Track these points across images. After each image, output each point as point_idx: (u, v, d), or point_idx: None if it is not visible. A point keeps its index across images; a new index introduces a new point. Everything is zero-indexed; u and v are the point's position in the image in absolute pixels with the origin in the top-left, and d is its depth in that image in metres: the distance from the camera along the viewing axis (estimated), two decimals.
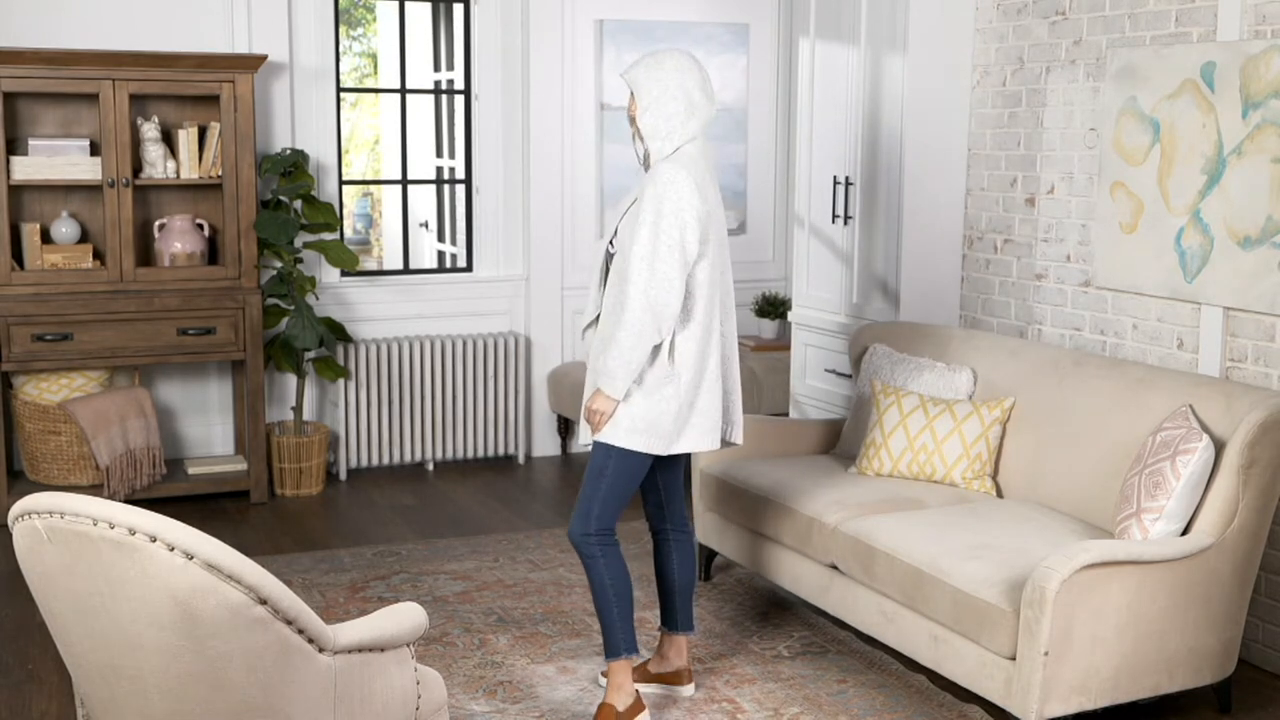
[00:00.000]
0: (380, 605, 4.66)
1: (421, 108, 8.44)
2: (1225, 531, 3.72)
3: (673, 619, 4.05)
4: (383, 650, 2.84)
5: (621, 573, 3.80)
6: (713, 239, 3.71)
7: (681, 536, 4.06)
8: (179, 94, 5.89)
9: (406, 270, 7.19)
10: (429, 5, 7.99)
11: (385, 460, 6.66)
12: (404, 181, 7.11)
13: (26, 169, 5.68)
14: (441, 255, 8.38)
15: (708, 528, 4.95)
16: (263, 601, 2.48)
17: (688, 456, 4.15)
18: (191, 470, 6.16)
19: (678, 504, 4.06)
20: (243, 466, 6.17)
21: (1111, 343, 4.81)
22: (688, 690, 4.05)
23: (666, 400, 3.68)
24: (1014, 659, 3.58)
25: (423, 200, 9.14)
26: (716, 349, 3.77)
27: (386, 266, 10.58)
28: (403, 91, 7.01)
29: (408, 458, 6.70)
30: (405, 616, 2.92)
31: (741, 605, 4.81)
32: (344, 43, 11.80)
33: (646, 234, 3.58)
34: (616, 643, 3.80)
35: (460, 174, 7.17)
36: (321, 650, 2.65)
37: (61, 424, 5.83)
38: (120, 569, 2.41)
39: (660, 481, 4.02)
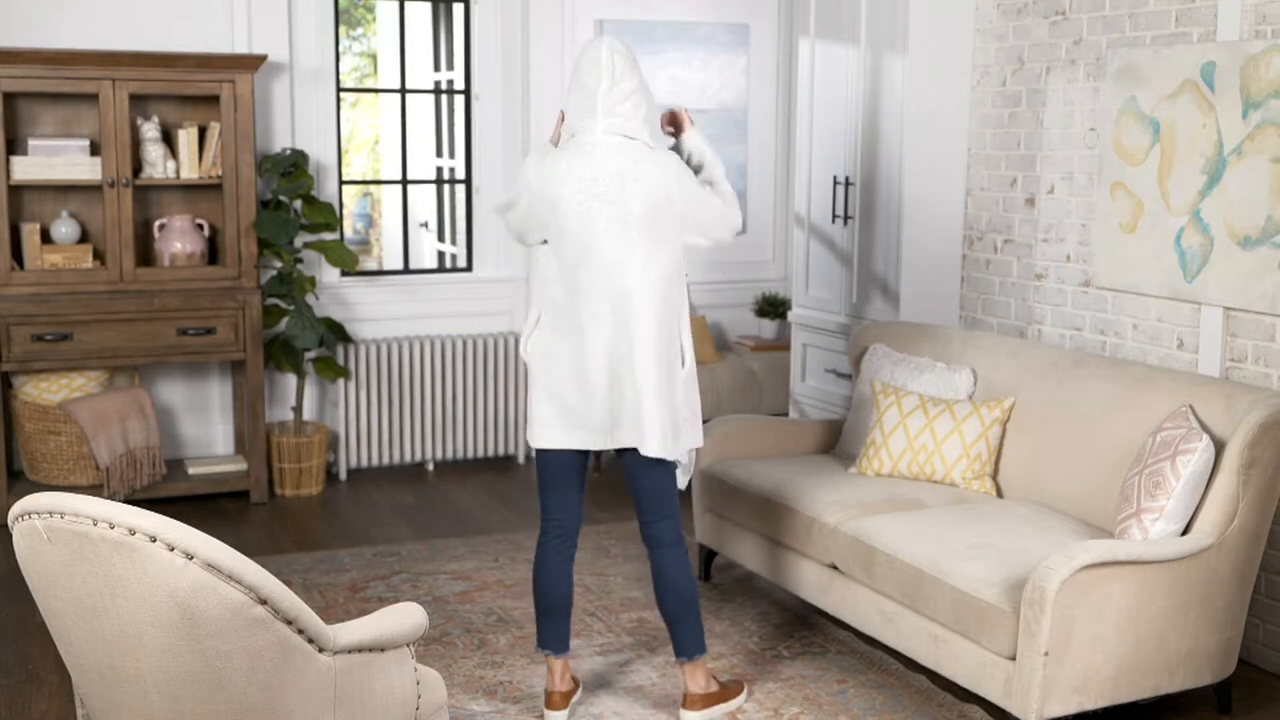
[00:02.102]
0: (380, 605, 4.66)
1: (421, 108, 8.43)
2: (1225, 531, 3.72)
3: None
4: (383, 650, 2.84)
5: (539, 567, 3.86)
6: (572, 228, 3.64)
7: (659, 554, 3.82)
8: (179, 94, 5.89)
9: (406, 270, 7.18)
10: (429, 5, 7.99)
11: (385, 460, 6.66)
12: (404, 181, 7.11)
13: (26, 169, 5.68)
14: (441, 255, 8.38)
15: (708, 528, 4.95)
16: (263, 601, 2.48)
17: (658, 466, 3.73)
18: (191, 470, 6.16)
19: (649, 519, 3.81)
20: (243, 466, 6.16)
21: (1111, 343, 4.81)
22: (685, 716, 3.85)
23: (531, 386, 3.78)
24: (1014, 659, 3.58)
25: (423, 200, 9.14)
26: (572, 342, 3.66)
27: (386, 266, 10.57)
28: (403, 91, 7.01)
29: (408, 458, 6.70)
30: (405, 616, 2.92)
31: (741, 605, 4.81)
32: (344, 43, 11.80)
33: None
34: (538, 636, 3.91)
35: (460, 174, 7.17)
36: (321, 650, 2.65)
37: (61, 424, 5.83)
38: (120, 569, 2.41)
39: (630, 493, 3.86)
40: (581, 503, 3.88)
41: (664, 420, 3.66)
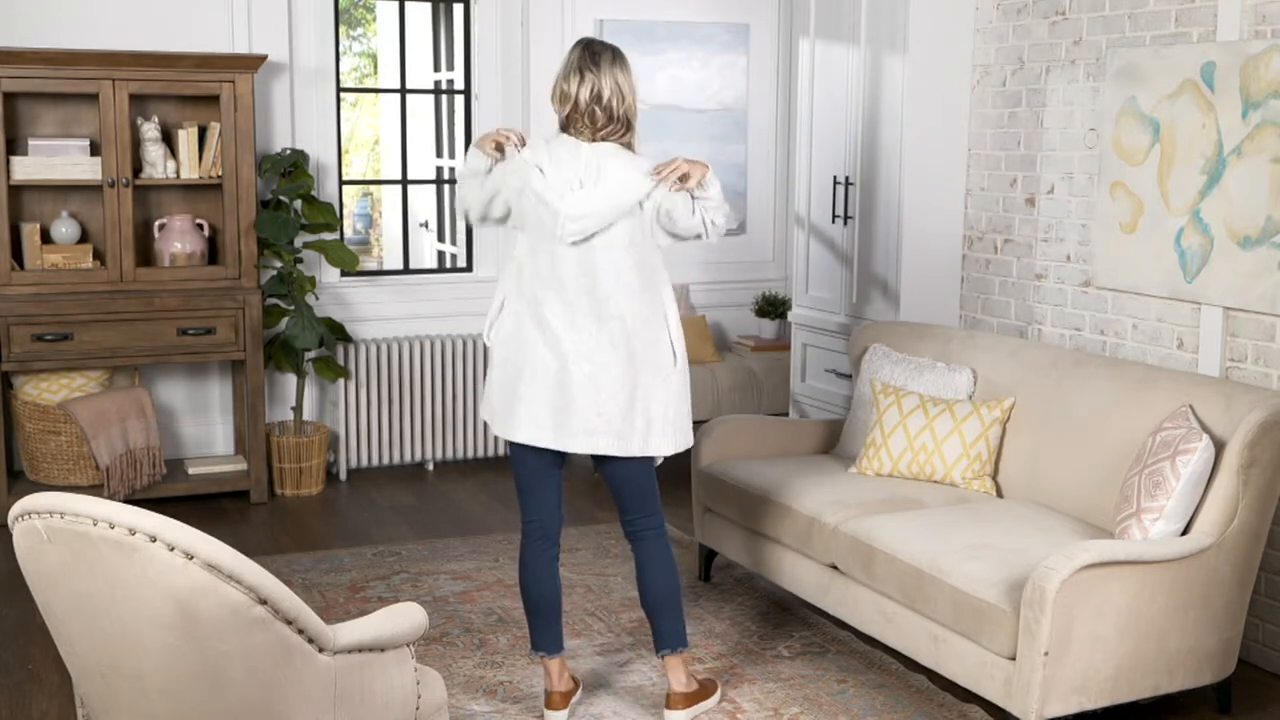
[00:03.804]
0: (380, 605, 4.66)
1: (421, 108, 8.44)
2: (1225, 531, 3.72)
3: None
4: (383, 650, 2.84)
5: (523, 569, 3.83)
6: (545, 234, 3.60)
7: (641, 546, 3.81)
8: (179, 94, 5.89)
9: (406, 270, 7.19)
10: (429, 5, 7.99)
11: (385, 460, 6.66)
12: (404, 181, 7.11)
13: (26, 169, 5.68)
14: (441, 255, 8.38)
15: (708, 528, 4.95)
16: (263, 601, 2.48)
17: (633, 462, 3.71)
18: (191, 470, 6.16)
19: (631, 516, 3.80)
20: (243, 466, 6.16)
21: (1111, 343, 4.81)
22: (670, 716, 3.84)
23: (493, 372, 3.74)
24: (1014, 659, 3.58)
25: (423, 200, 9.14)
26: (539, 338, 3.61)
27: (386, 266, 10.58)
28: (403, 91, 7.01)
29: (408, 458, 6.70)
30: (405, 616, 2.92)
31: (741, 605, 4.81)
32: (344, 43, 11.80)
33: None
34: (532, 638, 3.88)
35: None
36: (321, 650, 2.66)
37: (61, 424, 5.83)
38: (120, 569, 2.41)
39: (610, 492, 3.84)
40: (560, 504, 3.83)
41: (629, 419, 3.62)
